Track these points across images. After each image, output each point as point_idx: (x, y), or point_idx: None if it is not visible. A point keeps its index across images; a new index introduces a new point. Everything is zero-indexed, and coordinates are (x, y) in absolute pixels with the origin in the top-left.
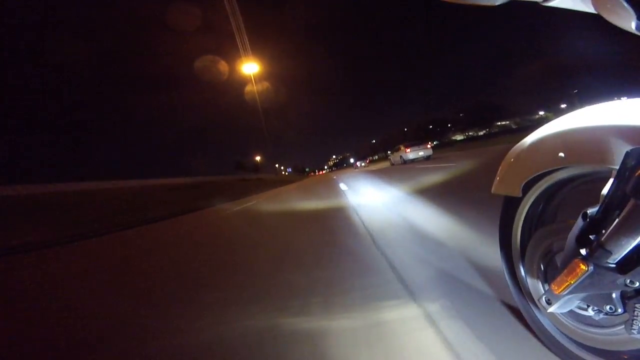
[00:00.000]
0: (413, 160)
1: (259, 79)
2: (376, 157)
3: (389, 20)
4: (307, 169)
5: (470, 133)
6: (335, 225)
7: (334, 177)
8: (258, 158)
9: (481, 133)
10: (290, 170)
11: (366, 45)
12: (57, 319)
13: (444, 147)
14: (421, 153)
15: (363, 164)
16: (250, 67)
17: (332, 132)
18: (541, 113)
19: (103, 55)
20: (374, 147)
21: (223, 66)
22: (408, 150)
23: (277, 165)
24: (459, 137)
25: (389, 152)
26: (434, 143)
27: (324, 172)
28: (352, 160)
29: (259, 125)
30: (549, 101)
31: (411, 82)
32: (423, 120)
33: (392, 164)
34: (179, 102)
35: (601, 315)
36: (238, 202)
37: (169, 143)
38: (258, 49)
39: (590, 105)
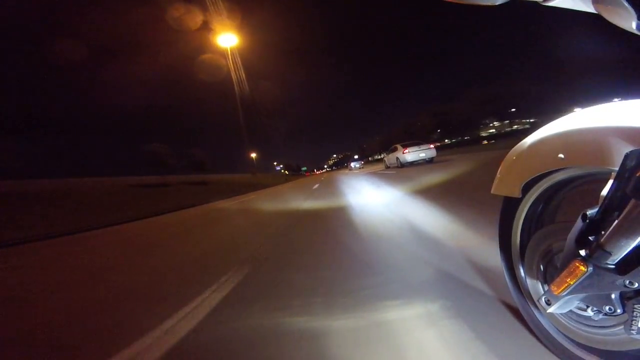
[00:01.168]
0: (412, 163)
1: (239, 57)
2: (383, 155)
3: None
4: (304, 168)
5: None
6: None
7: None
8: (254, 155)
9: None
10: (279, 168)
11: (376, 35)
12: None
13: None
14: (422, 154)
15: (358, 165)
16: (226, 39)
17: (334, 130)
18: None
19: None
20: (383, 143)
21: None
22: (406, 150)
23: (274, 164)
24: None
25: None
26: (452, 141)
27: (322, 171)
28: (355, 157)
29: (239, 120)
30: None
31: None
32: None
33: (388, 167)
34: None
35: (600, 316)
36: None
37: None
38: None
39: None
